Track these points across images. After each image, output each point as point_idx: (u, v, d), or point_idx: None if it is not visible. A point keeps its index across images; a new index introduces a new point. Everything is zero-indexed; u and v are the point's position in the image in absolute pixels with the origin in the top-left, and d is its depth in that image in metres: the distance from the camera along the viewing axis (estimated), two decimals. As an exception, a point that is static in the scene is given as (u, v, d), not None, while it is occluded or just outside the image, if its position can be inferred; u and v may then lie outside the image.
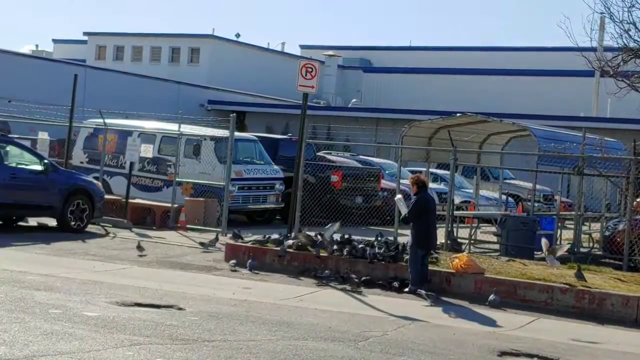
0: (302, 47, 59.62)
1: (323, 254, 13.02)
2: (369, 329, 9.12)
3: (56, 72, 33.64)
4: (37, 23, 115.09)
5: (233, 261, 13.11)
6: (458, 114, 17.88)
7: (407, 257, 12.09)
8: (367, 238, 13.42)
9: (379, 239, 13.22)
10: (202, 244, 14.75)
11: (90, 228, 16.51)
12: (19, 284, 10.22)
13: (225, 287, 11.23)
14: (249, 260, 12.88)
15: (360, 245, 12.92)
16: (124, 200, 17.86)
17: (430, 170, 20.38)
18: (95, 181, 17.44)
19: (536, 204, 20.36)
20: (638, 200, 14.69)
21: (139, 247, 13.82)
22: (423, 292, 11.39)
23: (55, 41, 61.71)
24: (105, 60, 51.17)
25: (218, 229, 16.84)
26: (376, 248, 12.77)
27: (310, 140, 20.60)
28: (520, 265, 12.78)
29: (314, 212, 18.07)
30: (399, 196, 13.05)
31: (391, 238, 13.74)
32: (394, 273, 12.24)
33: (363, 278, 12.09)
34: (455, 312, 10.68)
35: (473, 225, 17.92)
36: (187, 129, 19.97)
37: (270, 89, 46.90)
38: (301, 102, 15.40)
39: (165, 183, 19.30)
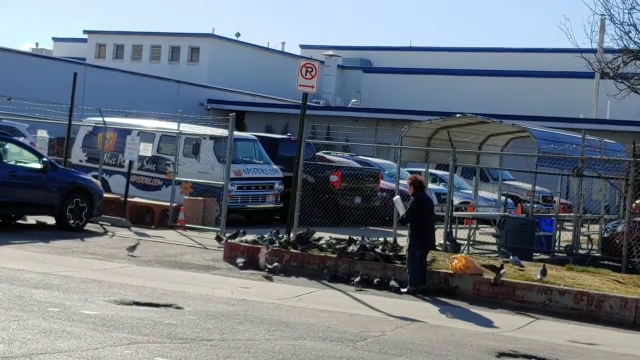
0: (302, 46, 59.63)
1: (322, 253, 13.02)
2: (368, 329, 9.12)
3: (56, 71, 33.61)
4: (37, 21, 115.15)
5: (241, 260, 13.08)
6: (458, 115, 17.88)
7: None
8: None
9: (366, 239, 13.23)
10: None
11: (89, 227, 16.50)
12: (17, 282, 10.21)
13: (223, 287, 11.23)
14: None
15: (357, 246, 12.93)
16: (123, 199, 17.85)
17: (430, 170, 20.37)
18: (94, 180, 17.44)
19: (535, 205, 20.37)
20: (637, 202, 14.69)
21: (131, 248, 13.66)
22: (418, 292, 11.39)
23: (55, 39, 61.70)
24: (105, 59, 51.15)
25: (217, 228, 16.86)
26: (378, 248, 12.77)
27: (310, 140, 20.60)
28: (518, 267, 12.78)
29: (313, 212, 18.06)
30: (397, 197, 13.06)
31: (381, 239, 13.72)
32: (392, 273, 12.24)
33: (362, 278, 12.10)
34: (454, 312, 10.68)
35: (472, 226, 17.91)
36: (186, 128, 19.96)
37: (270, 89, 46.89)
38: (301, 102, 15.40)
39: (164, 182, 19.29)
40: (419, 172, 17.15)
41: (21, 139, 18.78)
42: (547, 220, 18.23)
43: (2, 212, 16.04)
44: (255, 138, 21.08)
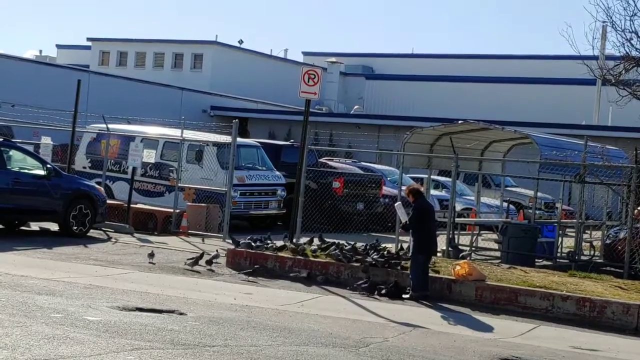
0: (305, 53, 59.79)
1: (323, 259, 13.07)
2: (370, 335, 9.14)
3: (60, 78, 33.70)
4: (41, 28, 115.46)
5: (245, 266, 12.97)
6: (460, 121, 17.92)
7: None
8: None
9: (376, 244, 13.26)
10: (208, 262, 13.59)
11: (92, 233, 16.54)
12: (20, 288, 10.25)
13: (226, 293, 11.26)
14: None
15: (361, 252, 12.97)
16: (126, 205, 17.90)
17: (432, 177, 20.39)
18: (97, 186, 17.49)
19: (537, 212, 20.38)
20: (639, 208, 14.69)
21: (150, 255, 13.61)
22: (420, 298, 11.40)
23: (58, 46, 61.88)
24: (109, 66, 51.27)
25: (220, 234, 16.90)
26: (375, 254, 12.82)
27: (312, 147, 20.66)
28: (521, 273, 12.80)
29: (316, 218, 18.11)
30: (398, 203, 13.09)
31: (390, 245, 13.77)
32: (395, 279, 12.26)
33: (364, 284, 12.12)
34: (456, 318, 10.70)
35: (474, 232, 17.93)
36: (189, 134, 20.02)
37: (273, 95, 46.97)
38: (303, 108, 15.46)
39: (168, 188, 19.34)
40: (421, 179, 17.20)
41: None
42: (550, 227, 18.24)
43: (6, 219, 16.09)
44: (258, 144, 21.12)
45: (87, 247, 14.89)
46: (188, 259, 13.35)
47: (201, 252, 13.86)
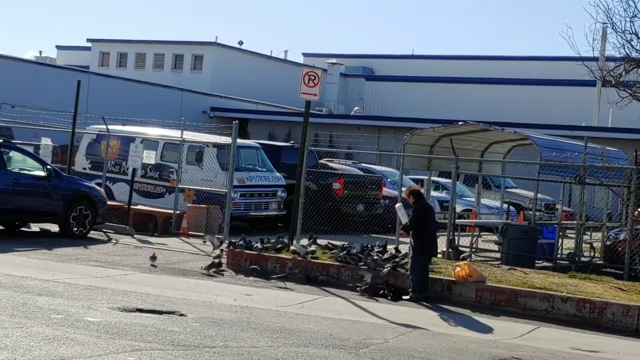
0: (305, 55, 59.78)
1: (325, 260, 13.08)
2: (370, 337, 9.14)
3: (60, 79, 33.71)
4: (41, 29, 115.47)
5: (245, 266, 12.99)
6: (460, 123, 17.92)
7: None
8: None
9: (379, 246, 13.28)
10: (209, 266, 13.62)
11: (93, 234, 16.55)
12: (21, 289, 10.26)
13: (226, 294, 11.26)
14: None
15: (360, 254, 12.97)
16: (127, 206, 17.90)
17: (432, 178, 20.40)
18: (97, 187, 17.50)
19: (537, 213, 20.38)
20: (639, 209, 14.70)
21: (152, 258, 13.58)
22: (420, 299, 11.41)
23: (58, 47, 61.88)
24: (109, 67, 51.26)
25: (220, 236, 16.89)
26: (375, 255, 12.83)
27: (313, 148, 20.66)
28: (521, 274, 12.80)
29: (316, 219, 18.11)
30: (399, 204, 13.10)
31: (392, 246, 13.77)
32: (395, 280, 12.27)
33: (365, 285, 12.13)
34: (456, 320, 10.71)
35: (474, 233, 17.93)
36: (189, 135, 20.02)
37: (273, 97, 46.97)
38: (304, 109, 15.47)
39: (168, 189, 19.35)
40: (421, 180, 17.21)
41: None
42: (550, 228, 18.25)
43: (6, 220, 16.10)
44: (258, 145, 21.13)
45: (87, 248, 14.89)
46: (204, 266, 13.26)
47: (211, 257, 13.78)
